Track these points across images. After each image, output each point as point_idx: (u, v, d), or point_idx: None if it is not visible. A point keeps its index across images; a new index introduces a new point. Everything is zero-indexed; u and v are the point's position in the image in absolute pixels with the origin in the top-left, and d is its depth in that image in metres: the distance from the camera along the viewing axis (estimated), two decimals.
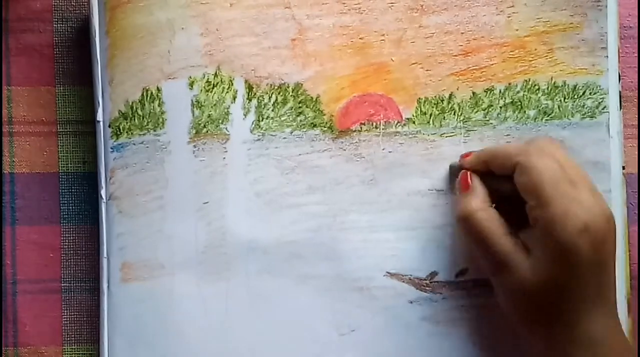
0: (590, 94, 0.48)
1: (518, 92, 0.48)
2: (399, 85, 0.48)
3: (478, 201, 0.43)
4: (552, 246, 0.40)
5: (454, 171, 0.47)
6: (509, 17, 0.48)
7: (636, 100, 0.50)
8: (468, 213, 0.43)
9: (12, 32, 0.49)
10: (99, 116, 0.48)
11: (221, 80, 0.47)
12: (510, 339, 0.47)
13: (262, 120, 0.48)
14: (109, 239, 0.47)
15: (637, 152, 0.50)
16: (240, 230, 0.47)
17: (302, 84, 0.48)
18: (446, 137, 0.48)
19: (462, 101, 0.48)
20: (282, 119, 0.48)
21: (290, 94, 0.48)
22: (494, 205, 0.44)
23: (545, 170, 0.41)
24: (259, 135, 0.48)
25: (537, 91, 0.48)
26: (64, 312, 0.50)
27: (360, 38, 0.48)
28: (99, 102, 0.48)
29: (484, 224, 0.42)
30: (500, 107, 0.48)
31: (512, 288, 0.42)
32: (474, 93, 0.48)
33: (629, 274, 0.48)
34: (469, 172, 0.45)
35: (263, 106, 0.48)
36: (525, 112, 0.48)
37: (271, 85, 0.48)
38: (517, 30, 0.48)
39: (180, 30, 0.47)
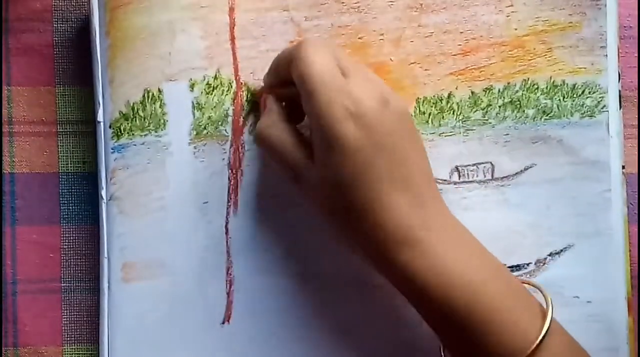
0: (589, 93, 0.48)
1: (517, 91, 0.48)
2: (397, 84, 0.48)
3: (269, 119, 0.44)
4: (320, 136, 0.40)
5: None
6: (508, 16, 0.48)
7: (636, 100, 0.50)
8: (259, 131, 0.44)
9: (12, 32, 0.49)
10: (100, 117, 0.48)
11: (221, 83, 0.48)
12: None
13: None
14: (110, 239, 0.48)
15: (637, 152, 0.50)
16: (240, 229, 0.47)
17: None
18: (445, 136, 0.48)
19: (461, 101, 0.48)
20: None
21: None
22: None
23: (315, 62, 0.40)
24: None
25: (536, 90, 0.48)
26: (64, 312, 0.49)
27: (359, 38, 0.48)
28: (99, 103, 0.48)
29: (273, 139, 0.43)
30: (499, 107, 0.48)
31: (309, 194, 0.43)
32: (472, 92, 0.48)
33: (629, 273, 0.48)
34: (264, 95, 0.46)
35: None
36: (524, 111, 0.48)
37: None
38: (516, 29, 0.48)
39: (181, 32, 0.47)
